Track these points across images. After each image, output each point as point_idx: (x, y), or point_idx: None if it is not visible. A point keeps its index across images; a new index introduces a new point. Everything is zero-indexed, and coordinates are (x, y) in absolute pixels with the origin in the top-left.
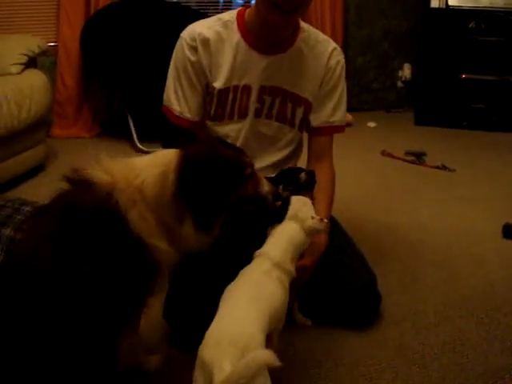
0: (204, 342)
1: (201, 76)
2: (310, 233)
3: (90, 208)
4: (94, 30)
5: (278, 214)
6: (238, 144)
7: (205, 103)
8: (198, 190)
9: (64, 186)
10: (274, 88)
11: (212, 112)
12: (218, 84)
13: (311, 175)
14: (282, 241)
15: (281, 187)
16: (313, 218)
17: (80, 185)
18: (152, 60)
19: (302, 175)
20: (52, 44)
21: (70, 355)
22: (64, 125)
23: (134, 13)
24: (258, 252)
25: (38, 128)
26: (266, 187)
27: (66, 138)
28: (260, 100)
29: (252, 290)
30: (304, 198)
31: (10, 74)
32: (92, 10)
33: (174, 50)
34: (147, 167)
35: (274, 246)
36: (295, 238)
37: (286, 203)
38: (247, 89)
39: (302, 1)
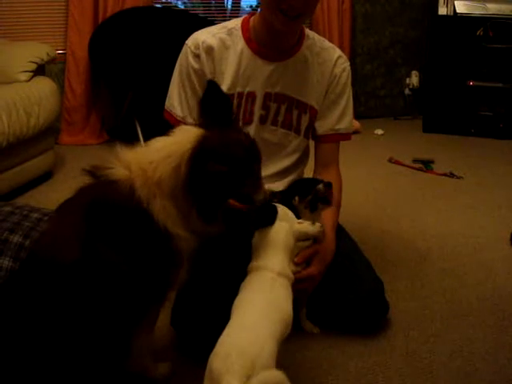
0: (214, 352)
1: (204, 84)
2: (299, 237)
3: (115, 204)
4: (102, 38)
5: (266, 218)
6: None
7: None
8: (203, 189)
9: (86, 179)
10: (279, 95)
11: None
12: None
13: (329, 187)
14: (278, 248)
15: (297, 199)
16: (300, 223)
17: (102, 182)
18: (160, 67)
19: (320, 187)
20: (60, 51)
21: (89, 349)
22: (72, 132)
23: (142, 21)
24: (255, 264)
25: (46, 135)
26: (261, 196)
27: (74, 145)
28: (265, 107)
29: (262, 299)
30: (285, 207)
31: (19, 81)
32: (100, 18)
33: (179, 57)
34: (164, 160)
35: (272, 257)
36: (289, 241)
37: (272, 208)
38: (252, 95)
39: (305, 8)
